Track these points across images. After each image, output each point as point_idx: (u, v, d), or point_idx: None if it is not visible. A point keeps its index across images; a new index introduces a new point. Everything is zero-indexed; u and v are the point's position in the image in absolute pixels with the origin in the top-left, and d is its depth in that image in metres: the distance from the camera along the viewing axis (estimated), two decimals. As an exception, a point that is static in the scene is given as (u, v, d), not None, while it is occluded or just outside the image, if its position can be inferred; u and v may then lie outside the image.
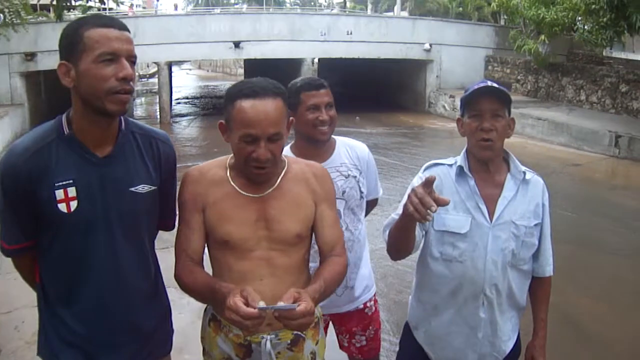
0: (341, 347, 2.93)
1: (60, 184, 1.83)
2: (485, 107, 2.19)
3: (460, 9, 29.66)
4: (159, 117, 19.39)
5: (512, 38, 18.34)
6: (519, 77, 19.26)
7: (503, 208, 2.23)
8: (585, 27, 15.41)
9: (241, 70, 31.11)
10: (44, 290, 2.00)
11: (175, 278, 2.08)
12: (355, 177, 2.71)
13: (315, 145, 2.63)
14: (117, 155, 1.92)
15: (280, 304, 1.74)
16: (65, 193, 1.83)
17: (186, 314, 4.38)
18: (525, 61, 18.65)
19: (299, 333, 2.07)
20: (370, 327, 2.86)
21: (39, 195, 1.83)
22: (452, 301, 2.31)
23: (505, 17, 22.15)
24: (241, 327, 1.78)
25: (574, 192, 9.88)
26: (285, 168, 2.11)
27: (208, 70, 47.11)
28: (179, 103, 23.70)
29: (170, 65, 20.95)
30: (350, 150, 2.76)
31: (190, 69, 48.51)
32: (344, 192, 2.67)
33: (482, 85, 2.22)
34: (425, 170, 2.38)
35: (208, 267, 2.14)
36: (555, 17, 16.03)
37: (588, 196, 9.68)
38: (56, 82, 1.86)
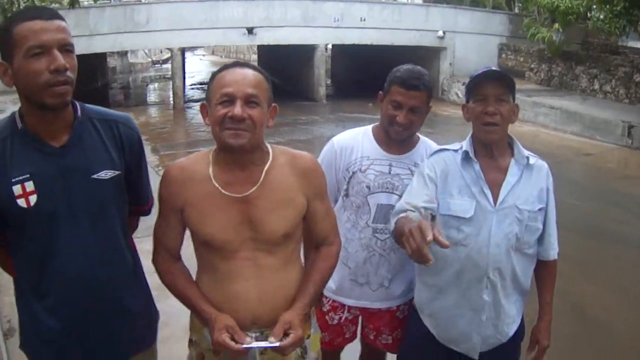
0: (366, 339, 2.85)
1: (17, 179, 1.79)
2: (489, 92, 2.23)
3: (475, -4, 29.44)
4: (172, 102, 19.45)
5: (525, 26, 18.18)
6: (532, 66, 19.11)
7: (507, 193, 2.26)
8: (600, 15, 15.27)
9: (255, 57, 30.97)
10: (18, 285, 1.99)
11: (153, 264, 2.10)
12: None
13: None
14: (75, 144, 1.86)
15: (271, 339, 1.86)
16: (23, 188, 1.79)
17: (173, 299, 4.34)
18: (539, 49, 18.49)
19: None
20: (399, 329, 2.76)
21: None
22: (456, 284, 2.35)
23: (520, 4, 21.98)
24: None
25: (585, 182, 9.85)
26: (271, 160, 2.00)
27: (222, 56, 46.95)
28: (192, 88, 23.73)
29: (183, 51, 20.92)
30: (428, 152, 2.57)
31: (203, 55, 48.37)
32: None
33: (486, 69, 2.25)
34: (431, 156, 2.43)
35: (188, 261, 2.12)
36: (569, 5, 15.88)
37: (599, 186, 9.64)
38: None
